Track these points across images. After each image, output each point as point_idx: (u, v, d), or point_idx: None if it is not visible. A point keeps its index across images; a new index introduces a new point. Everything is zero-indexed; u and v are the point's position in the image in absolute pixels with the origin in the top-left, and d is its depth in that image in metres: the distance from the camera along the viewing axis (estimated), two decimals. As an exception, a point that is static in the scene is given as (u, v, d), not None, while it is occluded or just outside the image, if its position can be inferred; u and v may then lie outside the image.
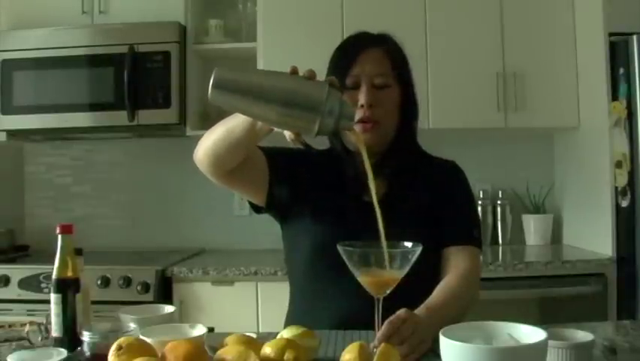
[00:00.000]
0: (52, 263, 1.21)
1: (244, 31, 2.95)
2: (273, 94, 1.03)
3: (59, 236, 1.21)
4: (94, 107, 2.76)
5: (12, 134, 2.89)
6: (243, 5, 2.98)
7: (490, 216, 3.02)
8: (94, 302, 1.32)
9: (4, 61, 2.78)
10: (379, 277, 1.08)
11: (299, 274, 1.49)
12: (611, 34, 2.50)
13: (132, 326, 1.11)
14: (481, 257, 1.47)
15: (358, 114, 1.37)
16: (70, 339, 1.16)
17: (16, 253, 2.95)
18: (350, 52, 1.43)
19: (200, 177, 1.46)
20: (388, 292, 1.09)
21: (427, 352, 1.10)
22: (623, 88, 2.45)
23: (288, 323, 1.38)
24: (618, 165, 2.48)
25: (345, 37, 1.54)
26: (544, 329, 0.94)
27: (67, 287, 1.19)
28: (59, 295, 1.19)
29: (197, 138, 1.37)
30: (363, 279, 1.09)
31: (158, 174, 3.18)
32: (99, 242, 2.96)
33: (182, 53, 2.77)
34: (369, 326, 1.13)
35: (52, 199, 3.22)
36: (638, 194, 2.41)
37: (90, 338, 1.04)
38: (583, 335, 1.03)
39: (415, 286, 1.17)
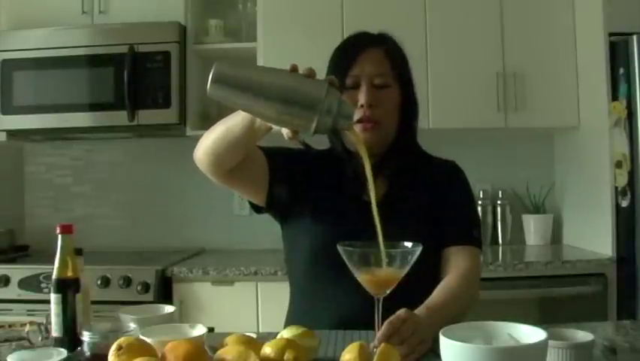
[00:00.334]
0: (52, 263, 1.21)
1: (244, 31, 2.95)
2: (272, 91, 1.03)
3: (59, 236, 1.21)
4: (94, 107, 2.76)
5: (12, 134, 2.89)
6: (242, 5, 2.99)
7: (490, 216, 3.02)
8: (94, 302, 1.32)
9: (4, 61, 2.78)
10: (379, 277, 1.08)
11: (299, 274, 1.49)
12: (611, 34, 2.50)
13: (132, 326, 1.11)
14: (481, 257, 1.47)
15: (358, 114, 1.37)
16: (70, 339, 1.16)
17: (16, 253, 2.95)
18: (350, 52, 1.43)
19: (200, 177, 1.46)
20: (388, 292, 1.10)
21: (427, 352, 1.10)
22: (623, 88, 2.45)
23: (288, 323, 1.38)
24: (618, 165, 2.48)
25: (345, 37, 1.54)
26: (544, 329, 0.94)
27: (67, 287, 1.19)
28: (59, 295, 1.19)
29: (197, 138, 1.36)
30: (363, 278, 1.09)
31: (158, 174, 3.18)
32: (99, 242, 2.96)
33: (182, 53, 2.77)
34: (369, 326, 1.13)
35: (52, 199, 3.22)
36: (638, 194, 2.41)
37: (90, 338, 1.04)
38: (583, 335, 1.03)
39: (415, 286, 1.17)
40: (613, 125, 2.49)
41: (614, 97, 2.49)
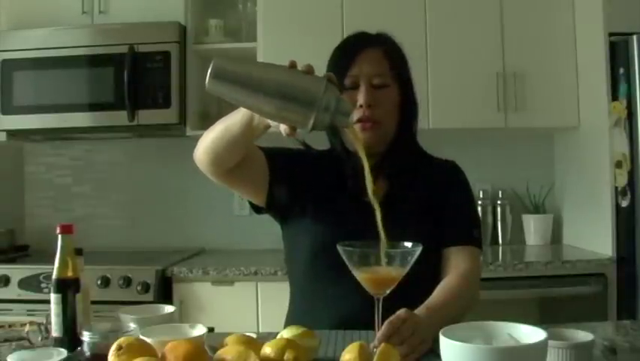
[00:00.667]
0: (52, 263, 1.21)
1: (244, 31, 2.95)
2: (270, 86, 1.03)
3: (59, 236, 1.21)
4: (94, 107, 2.76)
5: (12, 134, 2.89)
6: (243, 5, 2.98)
7: (490, 216, 3.02)
8: (94, 302, 1.32)
9: (4, 61, 2.78)
10: (379, 277, 1.08)
11: (299, 274, 1.49)
12: (611, 34, 2.50)
13: (132, 326, 1.11)
14: (481, 257, 1.47)
15: (357, 114, 1.37)
16: (70, 339, 1.16)
17: (16, 253, 2.95)
18: (348, 52, 1.43)
19: (200, 177, 1.46)
20: (388, 292, 1.10)
21: (427, 352, 1.10)
22: (623, 88, 2.45)
23: (288, 323, 1.38)
24: (618, 165, 2.48)
25: (345, 37, 1.54)
26: (544, 329, 0.94)
27: (67, 287, 1.19)
28: (59, 295, 1.19)
29: (197, 138, 1.37)
30: (363, 278, 1.09)
31: (158, 174, 3.18)
32: (99, 242, 2.96)
33: (182, 53, 2.77)
34: (369, 326, 1.13)
35: (52, 199, 3.22)
36: (638, 194, 2.41)
37: (90, 338, 1.04)
38: (583, 335, 1.03)
39: (415, 286, 1.17)
40: (613, 125, 2.49)
41: (614, 97, 2.49)
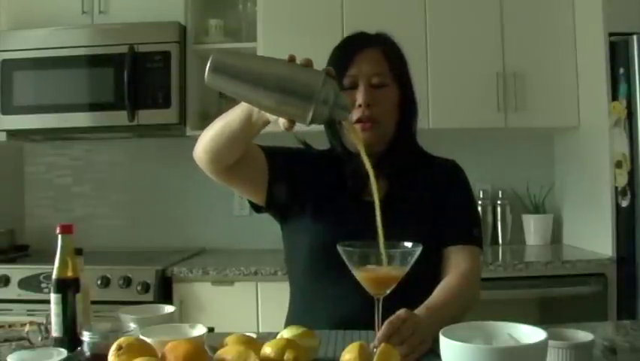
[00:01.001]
0: (52, 263, 1.21)
1: (244, 31, 2.95)
2: (269, 80, 1.04)
3: (59, 236, 1.21)
4: (94, 107, 2.76)
5: (12, 134, 2.89)
6: (243, 5, 2.99)
7: (490, 216, 3.02)
8: (94, 302, 1.32)
9: (4, 61, 2.78)
10: (379, 277, 1.08)
11: (299, 273, 1.49)
12: (611, 34, 2.50)
13: (132, 326, 1.11)
14: (481, 257, 1.46)
15: (357, 114, 1.37)
16: (70, 339, 1.16)
17: (16, 253, 2.95)
18: (348, 52, 1.43)
19: (200, 177, 1.46)
20: (388, 292, 1.10)
21: (427, 352, 1.10)
22: (623, 88, 2.45)
23: (288, 323, 1.38)
24: (618, 165, 2.48)
25: (344, 37, 1.54)
26: (544, 329, 0.94)
27: (67, 287, 1.19)
28: (59, 295, 1.19)
29: (197, 138, 1.36)
30: (363, 278, 1.09)
31: (158, 174, 3.18)
32: (99, 242, 2.96)
33: (182, 53, 2.77)
34: (369, 326, 1.13)
35: (52, 199, 3.22)
36: (638, 194, 2.41)
37: (90, 338, 1.04)
38: (583, 335, 1.03)
39: (415, 286, 1.17)
40: (613, 125, 2.49)
41: (614, 97, 2.49)
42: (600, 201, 2.58)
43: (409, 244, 1.10)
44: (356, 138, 1.14)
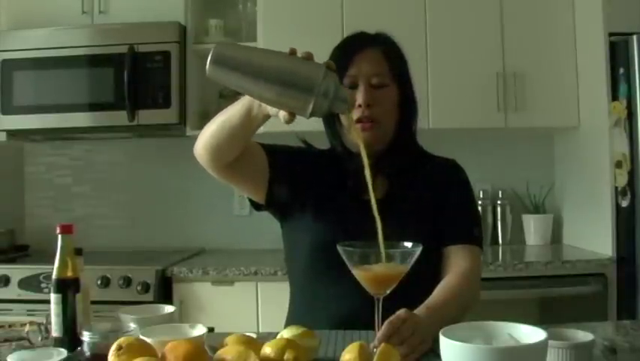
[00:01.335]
0: (52, 263, 1.21)
1: (244, 31, 2.95)
2: (270, 72, 1.04)
3: (59, 236, 1.21)
4: (94, 107, 2.76)
5: (12, 134, 2.89)
6: (243, 5, 2.99)
7: (490, 216, 3.02)
8: (94, 302, 1.32)
9: (4, 61, 2.78)
10: (379, 277, 1.08)
11: (299, 273, 1.49)
12: (611, 34, 2.50)
13: (132, 326, 1.11)
14: (481, 256, 1.46)
15: (356, 114, 1.37)
16: (70, 339, 1.16)
17: (16, 253, 2.95)
18: (347, 52, 1.43)
19: (200, 177, 1.46)
20: (388, 292, 1.09)
21: (427, 352, 1.10)
22: (623, 88, 2.45)
23: (288, 323, 1.38)
24: (618, 165, 2.48)
25: (344, 37, 1.54)
26: (544, 329, 0.94)
27: (67, 287, 1.19)
28: (59, 295, 1.19)
29: (197, 138, 1.37)
30: (363, 278, 1.09)
31: (158, 174, 3.18)
32: (99, 242, 2.96)
33: (182, 53, 2.77)
34: (369, 326, 1.13)
35: (52, 199, 3.22)
36: (638, 194, 2.41)
37: (90, 338, 1.04)
38: (583, 335, 1.03)
39: (415, 286, 1.17)
40: (613, 125, 2.49)
41: (614, 97, 2.49)
42: (600, 201, 2.58)
43: (408, 244, 1.10)
44: (355, 133, 1.14)
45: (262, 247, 2.88)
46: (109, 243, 3.07)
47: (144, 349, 0.98)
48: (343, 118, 1.40)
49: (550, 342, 0.94)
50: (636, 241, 2.41)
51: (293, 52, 1.07)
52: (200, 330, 1.11)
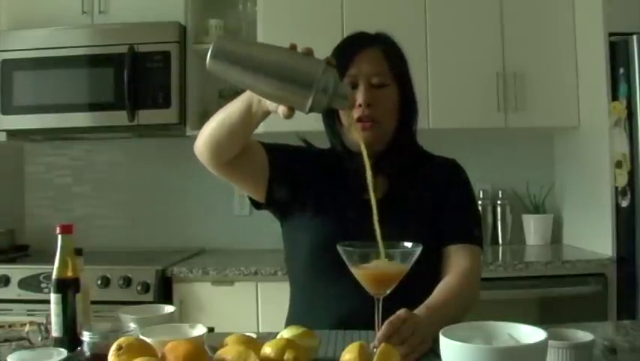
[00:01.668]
0: (52, 263, 1.21)
1: (244, 31, 2.95)
2: (270, 67, 1.05)
3: (59, 236, 1.21)
4: (94, 107, 2.76)
5: (12, 134, 2.89)
6: (243, 5, 2.99)
7: (490, 216, 3.02)
8: (94, 302, 1.32)
9: (4, 61, 2.78)
10: (378, 277, 1.08)
11: (299, 272, 1.49)
12: (611, 34, 2.50)
13: (132, 326, 1.11)
14: (482, 256, 1.46)
15: (356, 113, 1.37)
16: (70, 339, 1.16)
17: (16, 253, 2.95)
18: (347, 52, 1.43)
19: (200, 177, 1.46)
20: (388, 292, 1.09)
21: (427, 352, 1.10)
22: (623, 88, 2.45)
23: (288, 322, 1.38)
24: (618, 165, 2.48)
25: (344, 37, 1.54)
26: (544, 329, 0.94)
27: (67, 287, 1.19)
28: (59, 295, 1.19)
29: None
30: (363, 278, 1.09)
31: (158, 174, 3.18)
32: (99, 242, 2.96)
33: (182, 53, 2.77)
34: (369, 326, 1.13)
35: (52, 199, 3.22)
36: (638, 194, 2.41)
37: (90, 338, 1.04)
38: (583, 335, 1.03)
39: (415, 286, 1.17)
40: (613, 125, 2.49)
41: (614, 97, 2.49)
42: (600, 201, 2.58)
43: (408, 244, 1.10)
44: (356, 133, 1.14)
45: (262, 247, 2.88)
46: (109, 243, 3.07)
47: (144, 349, 0.98)
48: (344, 117, 1.40)
49: (551, 342, 0.94)
50: (636, 241, 2.41)
51: (293, 47, 1.07)
52: (200, 330, 1.11)
